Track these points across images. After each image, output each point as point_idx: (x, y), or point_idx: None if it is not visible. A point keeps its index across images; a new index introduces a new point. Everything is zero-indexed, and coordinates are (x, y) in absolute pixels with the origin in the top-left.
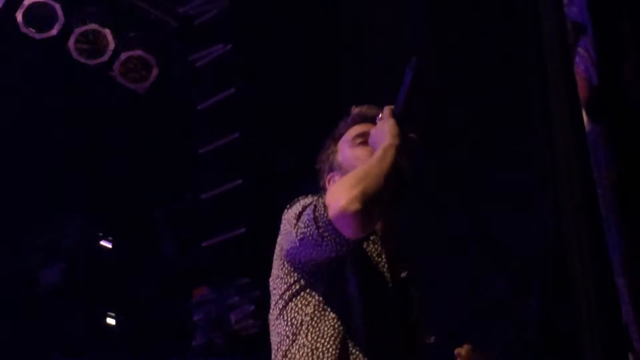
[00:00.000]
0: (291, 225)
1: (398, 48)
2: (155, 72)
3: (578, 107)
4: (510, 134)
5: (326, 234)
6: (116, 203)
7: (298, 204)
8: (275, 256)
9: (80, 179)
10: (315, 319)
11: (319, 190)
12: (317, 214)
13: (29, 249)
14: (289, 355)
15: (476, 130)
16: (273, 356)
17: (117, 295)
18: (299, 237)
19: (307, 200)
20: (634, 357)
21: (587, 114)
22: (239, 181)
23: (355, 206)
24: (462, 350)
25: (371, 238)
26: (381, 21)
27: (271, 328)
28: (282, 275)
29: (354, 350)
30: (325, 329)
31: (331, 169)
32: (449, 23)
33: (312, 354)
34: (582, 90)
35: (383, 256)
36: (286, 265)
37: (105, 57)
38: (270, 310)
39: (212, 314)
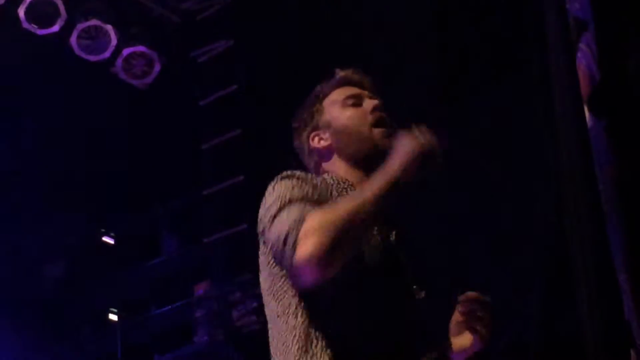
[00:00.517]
0: (267, 218)
1: (401, 43)
2: (157, 68)
3: (580, 103)
4: (513, 130)
5: (285, 265)
6: (118, 199)
7: (278, 186)
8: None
9: (83, 175)
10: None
11: (294, 148)
12: (285, 248)
13: (32, 244)
14: (282, 340)
15: (479, 127)
16: (270, 330)
17: (118, 291)
18: (269, 247)
19: (286, 185)
20: (636, 353)
21: (589, 109)
22: (241, 177)
23: (321, 257)
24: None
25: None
26: (384, 18)
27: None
28: (265, 251)
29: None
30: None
31: (315, 128)
32: (451, 20)
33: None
34: (584, 86)
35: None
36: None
37: (107, 53)
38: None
39: (213, 311)
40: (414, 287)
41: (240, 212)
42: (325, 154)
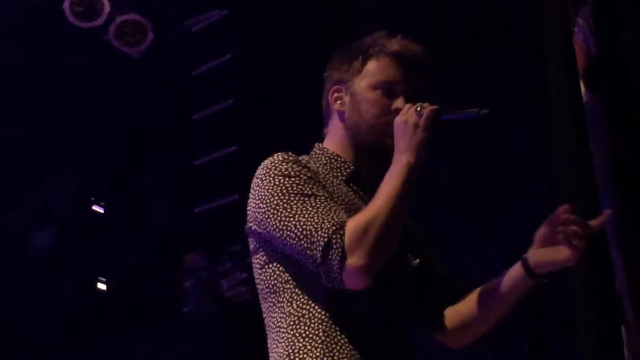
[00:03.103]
0: (273, 212)
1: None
2: (150, 36)
3: (576, 77)
4: (508, 104)
5: (328, 274)
6: (109, 168)
7: (272, 171)
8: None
9: (73, 144)
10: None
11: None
12: (329, 258)
13: (21, 212)
14: (277, 323)
15: (473, 101)
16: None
17: (108, 261)
18: (279, 236)
19: (280, 168)
20: (627, 328)
21: (585, 84)
22: (233, 147)
23: (370, 267)
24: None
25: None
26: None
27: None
28: (251, 243)
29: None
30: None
31: (341, 82)
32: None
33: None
34: (581, 61)
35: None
36: (254, 238)
37: (100, 21)
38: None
39: (203, 281)
40: (407, 255)
41: (232, 183)
42: (332, 113)
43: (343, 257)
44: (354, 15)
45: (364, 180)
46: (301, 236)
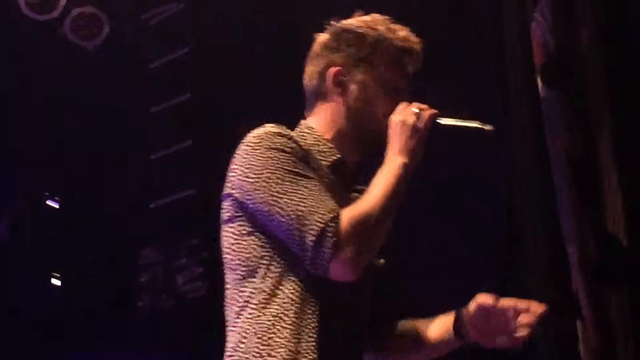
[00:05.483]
0: (262, 187)
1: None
2: (106, 29)
3: (533, 72)
4: (465, 100)
5: (315, 260)
6: (63, 162)
7: (265, 149)
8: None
9: (28, 137)
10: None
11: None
12: (322, 246)
13: None
14: (245, 298)
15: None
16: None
17: (62, 256)
18: (267, 210)
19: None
20: (582, 325)
21: (542, 79)
22: (189, 142)
23: (360, 261)
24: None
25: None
26: None
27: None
28: (230, 209)
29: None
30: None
31: (343, 66)
32: None
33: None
34: (538, 56)
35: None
36: (235, 205)
37: (55, 13)
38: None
39: (158, 276)
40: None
41: (188, 177)
42: (328, 95)
43: (335, 247)
44: (312, 8)
45: (347, 170)
46: (293, 216)
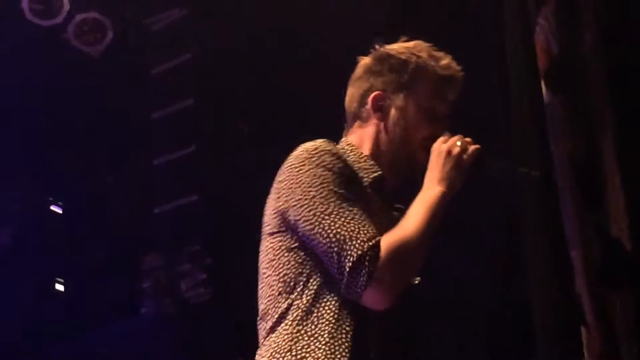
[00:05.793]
0: (305, 208)
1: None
2: (109, 35)
3: (537, 77)
4: (468, 105)
5: (350, 286)
6: (66, 167)
7: (314, 167)
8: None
9: (32, 143)
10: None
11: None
12: (359, 273)
13: None
14: (280, 312)
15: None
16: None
17: (66, 261)
18: (309, 229)
19: (317, 165)
20: (586, 330)
21: (546, 84)
22: (192, 147)
23: (393, 291)
24: None
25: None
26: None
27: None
28: (273, 222)
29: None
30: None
31: (384, 90)
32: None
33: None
34: (542, 61)
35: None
36: (279, 219)
37: (59, 19)
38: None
39: (162, 281)
40: None
41: (191, 183)
42: (368, 119)
43: (371, 276)
44: (314, 14)
45: (385, 190)
46: (334, 239)
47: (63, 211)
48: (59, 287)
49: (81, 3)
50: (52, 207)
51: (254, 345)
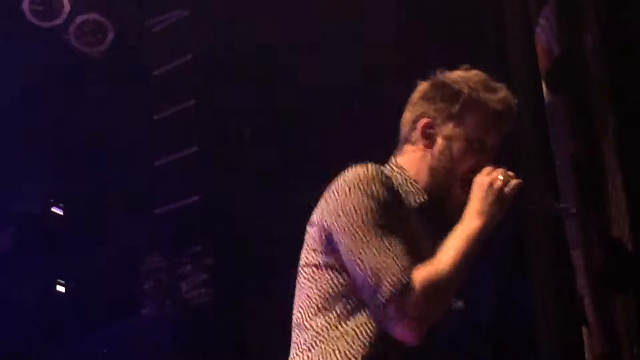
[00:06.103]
0: (350, 231)
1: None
2: (110, 36)
3: (538, 78)
4: None
5: (382, 318)
6: (67, 168)
7: (362, 194)
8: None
9: (32, 144)
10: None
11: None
12: (393, 305)
13: None
14: (316, 327)
15: None
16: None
17: (67, 262)
18: (348, 255)
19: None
20: (588, 330)
21: (547, 85)
22: (193, 148)
23: (424, 326)
24: None
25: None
26: None
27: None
28: (318, 238)
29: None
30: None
31: (434, 118)
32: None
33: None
34: (543, 61)
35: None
36: (323, 236)
37: (60, 20)
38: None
39: (162, 282)
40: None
41: (192, 184)
42: (416, 144)
43: (404, 312)
44: (313, 17)
45: (431, 215)
46: (369, 271)
47: (64, 212)
48: (60, 289)
49: (82, 4)
50: (53, 209)
51: (254, 345)
